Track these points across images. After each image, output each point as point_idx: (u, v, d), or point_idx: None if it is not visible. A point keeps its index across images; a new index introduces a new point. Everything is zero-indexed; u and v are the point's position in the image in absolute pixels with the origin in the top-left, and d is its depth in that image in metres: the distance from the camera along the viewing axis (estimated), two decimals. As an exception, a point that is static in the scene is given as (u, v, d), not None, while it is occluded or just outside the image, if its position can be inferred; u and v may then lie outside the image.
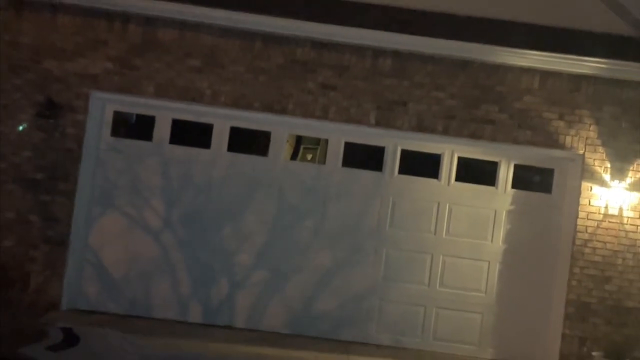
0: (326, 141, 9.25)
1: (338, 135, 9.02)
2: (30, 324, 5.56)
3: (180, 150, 9.00)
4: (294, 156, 10.43)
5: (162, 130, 8.98)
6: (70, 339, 4.42)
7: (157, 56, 8.68)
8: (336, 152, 9.07)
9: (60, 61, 8.60)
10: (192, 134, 9.12)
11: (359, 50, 8.77)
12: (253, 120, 8.93)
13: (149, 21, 8.63)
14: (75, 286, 8.79)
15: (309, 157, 10.69)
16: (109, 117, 8.92)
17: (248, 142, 9.26)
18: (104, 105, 8.84)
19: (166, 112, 8.92)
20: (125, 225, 8.91)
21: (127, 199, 8.93)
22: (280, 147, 9.15)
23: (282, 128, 9.03)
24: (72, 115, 8.62)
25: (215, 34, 8.68)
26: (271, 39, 8.71)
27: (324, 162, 9.23)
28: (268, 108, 8.76)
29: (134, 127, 9.23)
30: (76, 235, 8.73)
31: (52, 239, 8.61)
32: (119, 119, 9.09)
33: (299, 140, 10.75)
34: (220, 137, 9.00)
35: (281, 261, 8.95)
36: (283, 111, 8.77)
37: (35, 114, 8.55)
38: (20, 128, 8.51)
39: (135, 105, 8.91)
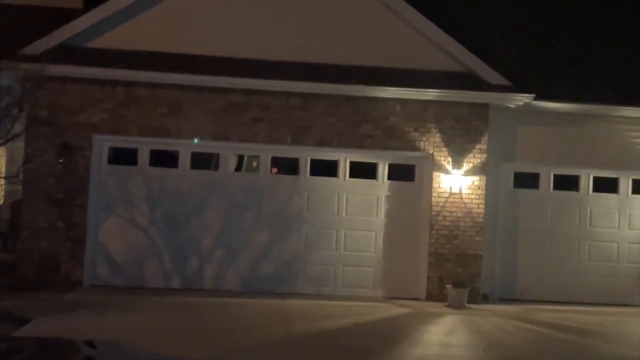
0: (258, 157, 13.26)
1: (266, 152, 13.06)
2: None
3: (157, 171, 12.88)
4: (240, 164, 13.96)
5: (144, 157, 12.87)
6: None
7: (137, 107, 12.51)
8: (265, 164, 13.11)
9: (71, 115, 12.39)
10: (165, 159, 12.95)
11: (276, 94, 12.74)
12: (206, 146, 12.89)
13: (130, 84, 12.47)
14: (92, 270, 12.61)
15: (254, 163, 14.03)
16: (106, 151, 12.79)
17: (204, 161, 13.19)
18: (102, 144, 12.69)
19: (146, 145, 12.80)
20: (122, 225, 12.76)
21: (123, 207, 12.78)
22: (227, 163, 13.13)
23: (227, 150, 13.02)
24: (81, 152, 12.42)
25: (176, 89, 12.56)
26: (215, 90, 12.63)
27: (257, 172, 13.25)
28: (216, 137, 12.68)
29: (124, 156, 12.99)
30: (90, 234, 12.55)
31: (73, 238, 12.38)
32: (113, 152, 12.95)
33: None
34: (184, 160, 12.93)
35: (233, 242, 12.91)
36: (227, 139, 12.70)
37: (55, 154, 12.35)
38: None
39: (124, 141, 12.77)
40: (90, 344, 5.87)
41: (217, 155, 13.09)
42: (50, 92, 12.33)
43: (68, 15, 12.82)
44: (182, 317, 10.53)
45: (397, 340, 9.84)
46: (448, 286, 12.67)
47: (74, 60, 12.20)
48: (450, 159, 13.00)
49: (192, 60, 12.57)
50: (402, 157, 13.15)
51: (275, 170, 13.44)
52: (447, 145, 13.01)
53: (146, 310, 10.86)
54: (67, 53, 12.22)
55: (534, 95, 12.81)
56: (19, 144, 12.75)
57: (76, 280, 12.39)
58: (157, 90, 12.57)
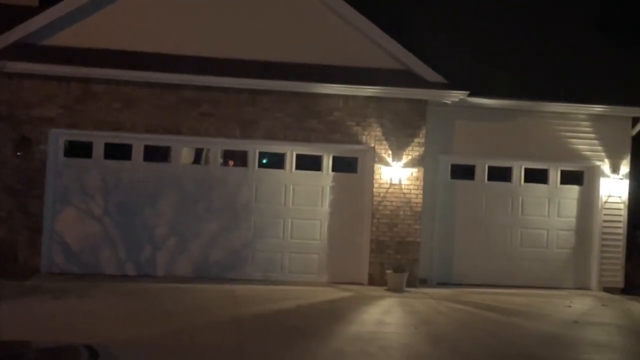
0: (209, 150, 13.92)
1: (216, 146, 13.73)
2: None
3: (111, 163, 13.47)
4: (198, 158, 14.51)
5: (98, 150, 13.44)
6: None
7: (92, 102, 13.08)
8: (215, 157, 13.79)
9: (28, 110, 12.91)
10: (119, 152, 13.51)
11: (226, 90, 13.38)
12: (159, 140, 13.50)
13: (86, 80, 13.02)
14: (49, 257, 13.15)
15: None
16: (62, 145, 13.34)
17: (157, 154, 13.77)
18: (58, 137, 13.23)
19: (100, 139, 13.37)
20: (78, 215, 13.33)
21: (78, 198, 13.34)
22: (179, 156, 13.76)
23: (178, 144, 13.65)
24: (38, 145, 12.95)
25: (130, 85, 13.15)
26: (167, 87, 13.25)
27: (208, 164, 13.93)
28: (168, 131, 13.31)
29: (80, 149, 13.53)
30: (46, 224, 13.09)
31: (31, 227, 12.91)
32: (69, 145, 13.49)
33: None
34: (138, 152, 13.52)
35: (185, 230, 13.57)
36: (178, 132, 13.34)
37: (13, 147, 12.87)
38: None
39: (79, 135, 13.31)
40: (91, 349, 6.44)
41: (169, 149, 13.69)
42: (7, 88, 12.88)
43: (23, 13, 13.29)
44: (136, 301, 11.19)
45: (336, 319, 10.64)
46: (388, 271, 13.49)
47: (32, 58, 12.73)
48: (390, 152, 13.80)
49: (145, 57, 13.16)
50: (345, 150, 13.93)
51: (232, 163, 14.11)
52: (387, 139, 13.82)
53: (101, 295, 11.48)
54: (25, 50, 12.76)
55: (468, 92, 13.67)
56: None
57: (34, 268, 12.93)
58: (112, 86, 13.14)
